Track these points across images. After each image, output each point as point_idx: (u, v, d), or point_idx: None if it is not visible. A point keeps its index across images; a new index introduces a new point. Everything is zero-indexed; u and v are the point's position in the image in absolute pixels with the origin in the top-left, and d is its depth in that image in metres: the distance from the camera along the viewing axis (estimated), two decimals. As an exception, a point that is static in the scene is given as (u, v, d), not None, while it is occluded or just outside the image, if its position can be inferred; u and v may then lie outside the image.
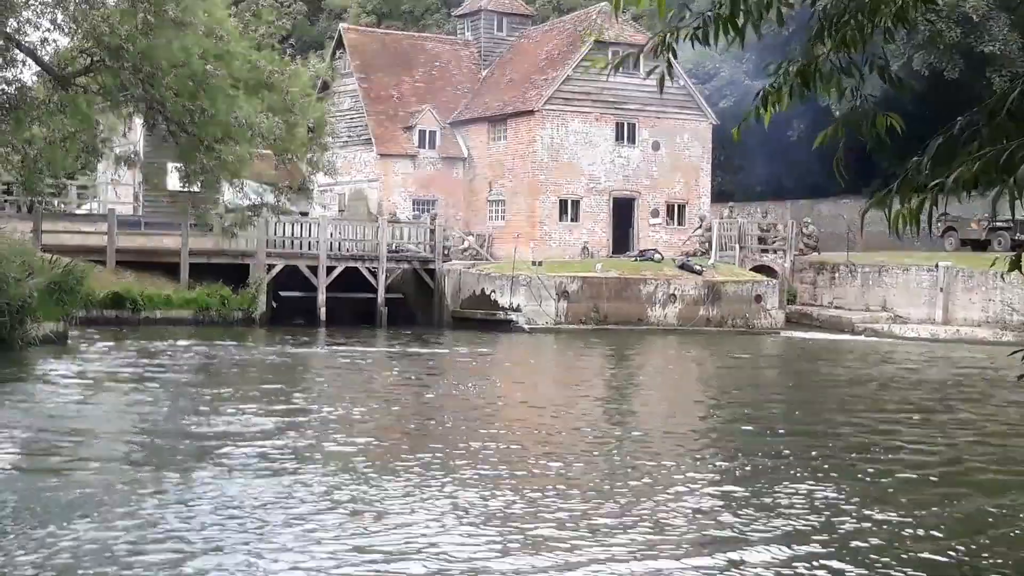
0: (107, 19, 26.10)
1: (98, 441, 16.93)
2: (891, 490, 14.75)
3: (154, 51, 26.37)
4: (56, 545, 10.95)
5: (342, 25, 58.86)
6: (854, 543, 11.97)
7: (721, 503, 13.64)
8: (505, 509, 12.99)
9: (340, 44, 55.76)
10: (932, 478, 15.78)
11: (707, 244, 50.25)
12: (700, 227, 51.71)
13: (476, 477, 14.69)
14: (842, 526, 12.67)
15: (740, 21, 6.81)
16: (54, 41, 29.27)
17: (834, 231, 55.96)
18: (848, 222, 53.21)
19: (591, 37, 50.01)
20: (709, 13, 6.82)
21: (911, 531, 12.58)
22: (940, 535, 12.46)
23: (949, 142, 6.35)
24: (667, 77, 7.21)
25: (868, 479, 15.39)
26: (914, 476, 15.83)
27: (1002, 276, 38.49)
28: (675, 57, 7.17)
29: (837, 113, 7.11)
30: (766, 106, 6.90)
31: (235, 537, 11.47)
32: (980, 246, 48.62)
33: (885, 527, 12.70)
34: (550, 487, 14.28)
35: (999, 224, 48.05)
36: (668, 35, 6.98)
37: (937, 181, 6.09)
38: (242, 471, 14.67)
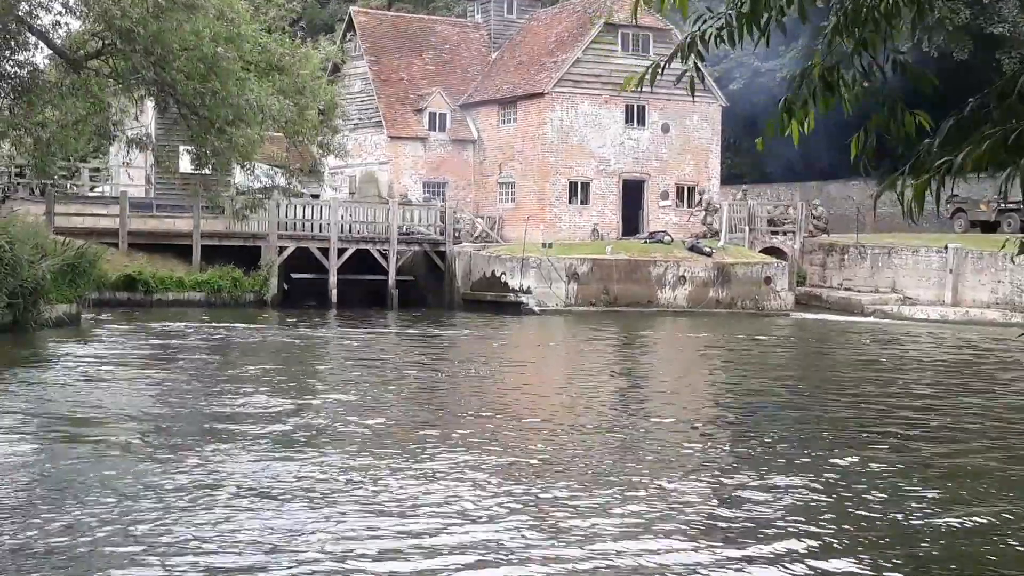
0: (118, 2, 26.09)
1: (113, 423, 16.97)
2: (905, 476, 14.72)
3: (165, 34, 26.38)
4: (79, 527, 10.99)
5: (352, 7, 58.75)
6: (868, 531, 11.97)
7: (735, 489, 13.63)
8: (519, 494, 13.00)
9: (351, 26, 55.65)
10: (943, 462, 15.76)
11: (711, 225, 50.12)
12: (700, 200, 51.43)
13: (488, 461, 14.70)
14: (855, 511, 12.66)
15: (763, 20, 6.75)
16: (66, 24, 29.33)
17: (844, 212, 55.86)
18: (858, 204, 53.10)
19: (600, 19, 49.86)
20: (731, 12, 6.76)
21: (927, 519, 12.58)
22: (953, 521, 12.45)
23: (960, 124, 6.33)
24: (696, 80, 7.18)
25: (882, 464, 15.37)
26: (928, 461, 15.81)
27: (1012, 259, 38.12)
28: (702, 60, 7.09)
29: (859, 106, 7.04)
30: (790, 116, 6.85)
31: (255, 520, 11.49)
32: (989, 227, 48.51)
33: (900, 513, 12.68)
34: (564, 472, 14.29)
35: (1009, 206, 47.90)
36: (693, 37, 6.93)
37: (944, 159, 6.07)
38: (258, 453, 14.71)
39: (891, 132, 6.66)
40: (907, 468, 14.96)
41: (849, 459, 15.27)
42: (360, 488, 12.92)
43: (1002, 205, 48.30)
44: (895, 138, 6.68)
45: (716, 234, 49.31)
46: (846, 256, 48.31)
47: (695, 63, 7.02)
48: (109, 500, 12.00)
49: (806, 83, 6.77)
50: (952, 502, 13.11)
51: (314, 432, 16.52)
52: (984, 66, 50.82)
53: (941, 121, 6.44)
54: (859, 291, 46.60)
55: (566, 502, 12.55)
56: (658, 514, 12.14)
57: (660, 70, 7.02)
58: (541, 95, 49.84)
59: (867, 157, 6.73)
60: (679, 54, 7.01)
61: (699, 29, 6.90)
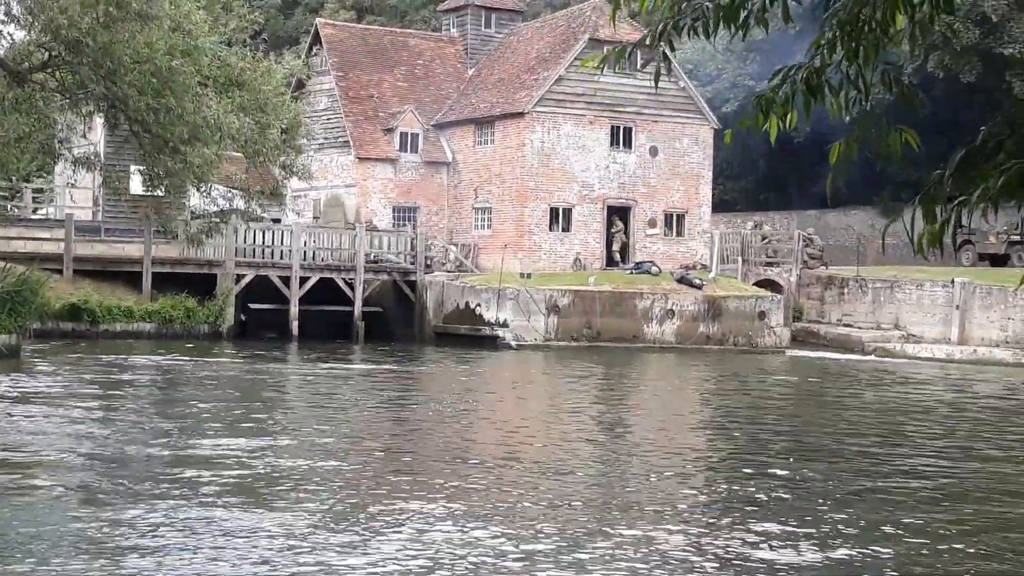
0: (66, 11, 26.01)
1: (54, 467, 16.82)
2: (900, 536, 14.70)
3: (116, 46, 26.29)
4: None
5: (319, 19, 58.88)
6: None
7: (715, 542, 13.59)
8: (485, 542, 12.93)
9: (317, 40, 55.72)
10: (947, 523, 15.75)
11: (619, 253, 49.91)
12: (616, 230, 50.60)
13: (456, 507, 14.62)
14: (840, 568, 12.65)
15: (742, 15, 6.80)
16: (9, 35, 29.21)
17: (843, 243, 56.09)
18: (858, 234, 53.31)
19: (584, 35, 50.05)
20: (708, 4, 6.81)
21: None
22: None
23: (971, 154, 6.33)
24: (663, 71, 7.20)
25: (876, 523, 15.34)
26: (929, 520, 15.80)
27: (1015, 291, 38.03)
28: (672, 49, 7.16)
29: (847, 119, 7.07)
30: (766, 113, 6.87)
31: (200, 571, 11.39)
32: (999, 261, 48.73)
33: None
34: (533, 520, 14.21)
35: (1018, 238, 48.19)
36: (665, 25, 6.96)
37: (961, 199, 6.07)
38: (210, 500, 14.58)
39: (875, 149, 6.68)
40: (917, 524, 14.94)
41: (836, 514, 15.24)
42: (317, 539, 12.82)
43: (1012, 237, 48.60)
44: (879, 154, 6.70)
45: (617, 263, 48.82)
46: (846, 290, 48.45)
47: (663, 52, 7.05)
48: (48, 555, 11.85)
49: (788, 83, 6.80)
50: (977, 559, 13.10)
51: (269, 479, 16.41)
52: (993, 89, 51.24)
53: (946, 143, 6.46)
54: (859, 327, 46.71)
55: (543, 556, 12.47)
56: (650, 570, 12.09)
57: (627, 54, 7.09)
58: (521, 115, 49.92)
59: (840, 176, 6.75)
60: (648, 40, 7.05)
61: (669, 18, 6.94)
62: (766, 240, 52.01)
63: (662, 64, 7.18)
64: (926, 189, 6.34)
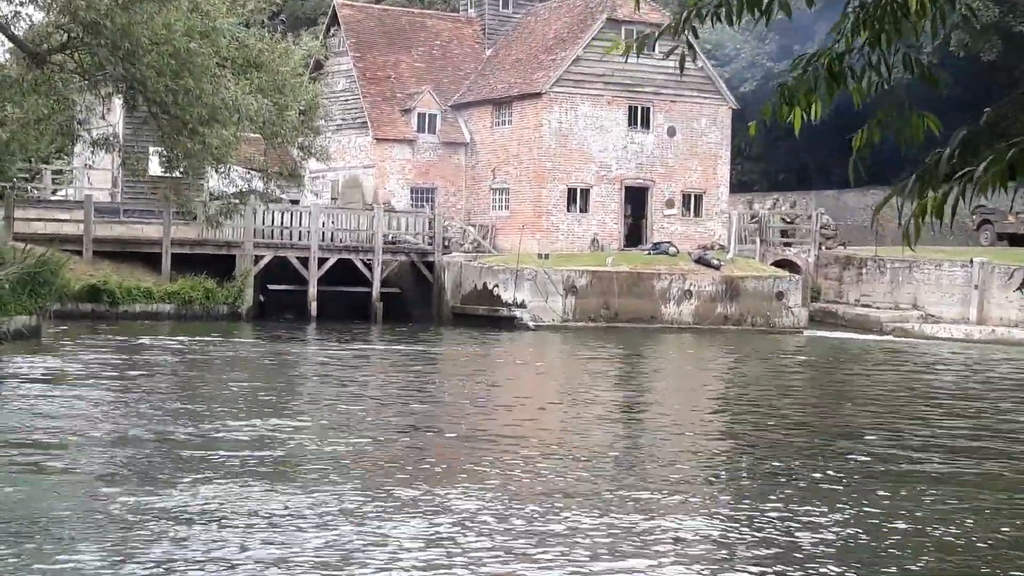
0: (84, -9, 26.01)
1: (74, 448, 16.86)
2: (916, 522, 14.65)
3: (134, 27, 26.28)
4: (34, 566, 10.88)
5: (336, 0, 58.76)
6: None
7: (734, 528, 13.56)
8: (506, 525, 12.92)
9: (334, 20, 55.64)
10: (969, 502, 15.69)
11: (624, 233, 50.09)
12: (626, 215, 50.85)
13: (479, 487, 14.62)
14: (855, 555, 12.61)
15: (765, 1, 6.75)
16: (27, 16, 29.24)
17: (862, 223, 55.89)
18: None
19: (603, 15, 49.89)
20: None
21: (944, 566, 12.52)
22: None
23: (975, 134, 6.26)
24: (687, 58, 7.16)
25: (895, 507, 15.30)
26: (949, 502, 15.75)
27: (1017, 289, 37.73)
28: (696, 37, 7.12)
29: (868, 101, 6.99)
30: (789, 103, 6.81)
31: (226, 553, 11.40)
32: (1018, 240, 48.51)
33: (909, 558, 12.62)
34: (553, 503, 14.20)
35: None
36: (688, 12, 6.92)
37: (966, 171, 6.00)
38: (233, 481, 14.60)
39: (898, 135, 6.62)
40: (938, 503, 14.90)
41: (881, 495, 15.20)
42: (337, 520, 12.83)
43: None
44: (900, 140, 6.64)
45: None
46: (864, 270, 48.28)
47: (687, 39, 7.02)
48: (68, 535, 11.89)
49: (810, 71, 6.74)
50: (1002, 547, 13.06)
51: (289, 460, 16.43)
52: (1013, 67, 50.93)
53: (966, 123, 6.37)
54: (877, 308, 46.56)
55: (553, 536, 12.46)
56: (653, 554, 12.08)
57: (652, 41, 7.05)
58: (538, 95, 49.81)
59: (861, 159, 6.70)
60: (672, 27, 7.02)
61: (694, 4, 6.90)
62: (754, 219, 51.75)
63: (687, 51, 7.14)
64: (924, 169, 6.26)
